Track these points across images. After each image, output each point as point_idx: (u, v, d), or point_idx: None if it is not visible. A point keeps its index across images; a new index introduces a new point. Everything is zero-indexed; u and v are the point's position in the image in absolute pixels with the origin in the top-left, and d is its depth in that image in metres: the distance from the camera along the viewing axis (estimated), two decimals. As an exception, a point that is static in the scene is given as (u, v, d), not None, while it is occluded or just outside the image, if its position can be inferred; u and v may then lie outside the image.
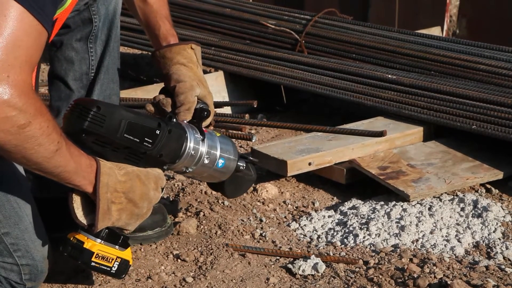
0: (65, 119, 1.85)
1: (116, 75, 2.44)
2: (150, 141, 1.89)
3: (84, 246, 1.93)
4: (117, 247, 1.98)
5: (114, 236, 1.97)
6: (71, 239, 1.95)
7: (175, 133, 1.95)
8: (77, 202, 1.86)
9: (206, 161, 2.04)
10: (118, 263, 1.99)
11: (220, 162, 2.09)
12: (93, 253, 1.94)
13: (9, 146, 1.63)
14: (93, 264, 1.95)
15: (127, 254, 2.01)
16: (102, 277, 2.36)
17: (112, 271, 1.99)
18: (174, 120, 1.99)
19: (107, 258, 1.97)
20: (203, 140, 2.03)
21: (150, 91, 3.53)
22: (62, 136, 1.73)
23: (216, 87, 3.82)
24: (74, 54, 2.36)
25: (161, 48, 2.24)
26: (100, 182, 1.82)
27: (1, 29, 1.58)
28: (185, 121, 2.09)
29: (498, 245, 2.52)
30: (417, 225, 2.62)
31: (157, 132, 1.89)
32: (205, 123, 2.15)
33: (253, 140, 2.63)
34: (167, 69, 2.22)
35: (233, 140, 3.39)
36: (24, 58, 1.62)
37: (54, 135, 1.69)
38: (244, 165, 2.18)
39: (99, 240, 1.94)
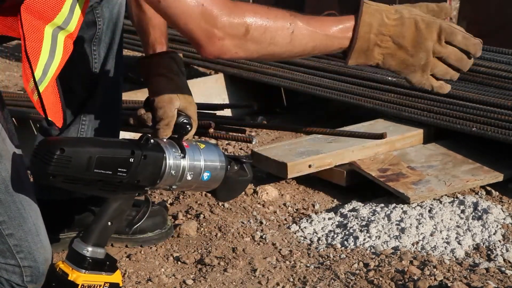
0: (31, 162, 1.82)
1: (119, 77, 2.44)
2: (124, 170, 1.83)
3: (69, 278, 1.91)
4: (104, 273, 1.95)
5: (100, 264, 1.94)
6: (57, 269, 1.92)
7: (151, 157, 1.89)
8: None
9: (189, 177, 1.98)
10: None
11: (206, 175, 2.03)
12: (78, 285, 1.90)
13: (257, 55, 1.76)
14: None
15: (115, 277, 1.98)
16: (103, 279, 2.37)
17: None
18: (152, 141, 1.93)
19: (94, 286, 1.94)
20: (184, 157, 1.98)
21: (150, 94, 3.52)
22: (292, 17, 1.80)
23: (216, 89, 3.82)
24: (77, 56, 2.36)
25: (142, 59, 2.21)
26: (362, 21, 1.79)
27: None
28: (165, 139, 2.03)
29: (498, 247, 2.52)
30: (417, 227, 2.62)
31: (131, 160, 1.84)
32: (187, 136, 2.10)
33: (253, 142, 2.61)
34: (148, 81, 2.19)
35: (234, 142, 3.40)
36: None
37: (276, 22, 1.76)
38: (237, 167, 2.14)
39: (83, 271, 1.91)
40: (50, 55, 1.87)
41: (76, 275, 1.90)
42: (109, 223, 1.94)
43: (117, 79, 2.43)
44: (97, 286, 1.94)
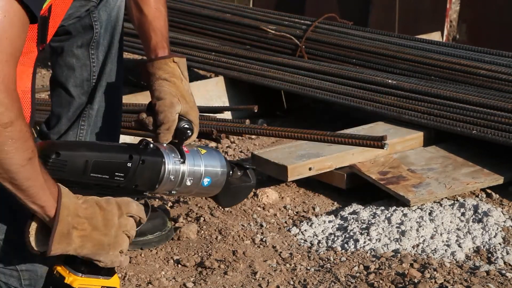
0: None
1: (119, 81, 2.44)
2: (122, 174, 1.82)
3: (65, 281, 1.87)
4: (101, 277, 1.91)
5: (96, 267, 1.89)
6: (54, 272, 1.89)
7: (149, 162, 1.87)
8: (33, 229, 1.76)
9: (188, 183, 1.97)
10: None
11: (206, 181, 2.01)
12: None
13: None
14: None
15: (113, 281, 1.95)
16: (103, 282, 2.36)
17: None
18: (151, 145, 1.93)
19: None
20: (183, 162, 1.97)
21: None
22: (35, 146, 1.65)
23: (216, 92, 3.82)
24: (75, 60, 2.36)
25: (145, 63, 2.21)
26: (62, 203, 1.71)
27: None
28: (165, 144, 2.01)
29: (498, 250, 2.52)
30: (417, 230, 2.62)
31: (128, 165, 1.82)
32: (188, 141, 2.08)
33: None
34: (151, 85, 2.18)
35: (234, 145, 3.40)
36: (9, 51, 1.54)
37: (30, 142, 1.61)
38: (240, 173, 2.13)
39: (80, 274, 1.87)
40: None
41: (72, 279, 1.89)
42: None
43: (116, 83, 2.43)
44: None
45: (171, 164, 1.92)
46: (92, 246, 1.79)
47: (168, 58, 2.18)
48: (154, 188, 1.92)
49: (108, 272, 1.93)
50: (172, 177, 1.93)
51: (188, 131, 2.07)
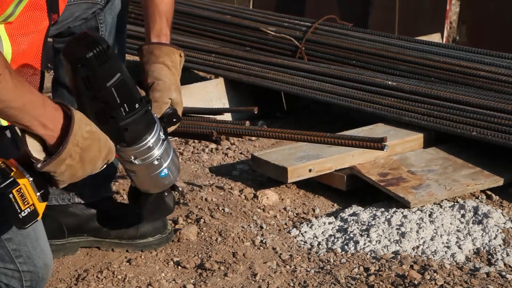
0: (69, 43, 1.75)
1: None
2: (127, 110, 1.79)
3: (12, 174, 1.71)
4: (38, 194, 1.75)
5: (42, 183, 1.75)
6: (0, 163, 1.73)
7: (149, 117, 1.86)
8: (30, 140, 1.69)
9: (156, 162, 1.95)
10: (29, 211, 1.74)
11: (164, 171, 2.00)
12: (18, 184, 1.71)
13: None
14: (10, 196, 1.71)
15: (41, 207, 1.78)
16: (103, 284, 2.36)
17: (20, 215, 1.73)
18: (150, 108, 1.92)
19: (25, 199, 1.73)
20: (163, 141, 1.93)
21: (151, 98, 3.52)
22: (7, 69, 1.61)
23: (216, 93, 3.82)
24: None
25: (152, 44, 2.19)
26: (73, 130, 1.67)
27: None
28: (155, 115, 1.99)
29: (498, 251, 2.52)
30: (417, 231, 2.62)
31: (137, 105, 1.81)
32: (172, 128, 2.08)
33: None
34: (149, 65, 2.17)
35: (234, 146, 3.40)
36: None
37: None
38: (172, 193, 2.07)
39: (27, 175, 1.72)
40: None
41: (19, 174, 1.73)
42: None
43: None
44: (26, 201, 1.74)
45: (156, 135, 1.90)
46: (68, 175, 1.73)
47: (177, 49, 2.18)
48: (132, 144, 1.88)
49: (44, 196, 1.78)
50: (150, 145, 1.89)
51: (175, 119, 2.05)
